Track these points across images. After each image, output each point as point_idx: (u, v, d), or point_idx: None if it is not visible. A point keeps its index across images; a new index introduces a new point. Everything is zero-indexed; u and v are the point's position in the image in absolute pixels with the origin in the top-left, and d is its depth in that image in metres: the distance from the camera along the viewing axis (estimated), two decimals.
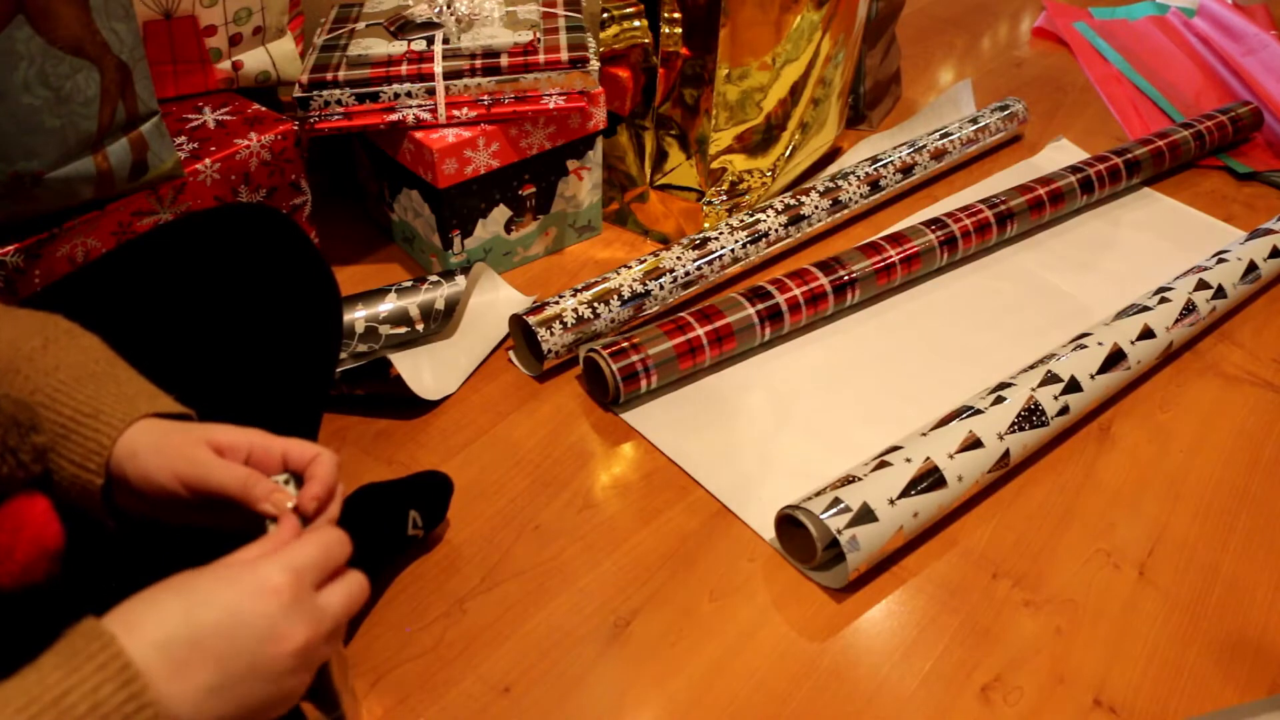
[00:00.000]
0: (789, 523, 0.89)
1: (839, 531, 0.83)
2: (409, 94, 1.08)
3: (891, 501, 0.85)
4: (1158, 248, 1.34)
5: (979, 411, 0.95)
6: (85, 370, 0.52)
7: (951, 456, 0.90)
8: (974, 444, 0.91)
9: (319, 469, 0.51)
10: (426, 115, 1.08)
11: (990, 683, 0.81)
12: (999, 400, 0.96)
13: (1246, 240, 1.25)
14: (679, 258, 1.15)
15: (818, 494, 0.87)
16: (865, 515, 0.84)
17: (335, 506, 0.51)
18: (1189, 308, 1.12)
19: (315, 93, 1.07)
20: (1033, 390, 0.97)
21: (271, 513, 0.49)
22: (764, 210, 1.23)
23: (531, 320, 1.04)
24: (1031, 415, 0.96)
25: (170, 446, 0.49)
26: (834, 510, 0.84)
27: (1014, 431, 0.94)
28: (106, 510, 0.51)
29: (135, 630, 0.39)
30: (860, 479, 0.87)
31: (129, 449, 0.49)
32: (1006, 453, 0.94)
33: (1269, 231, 1.26)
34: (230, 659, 0.40)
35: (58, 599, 0.47)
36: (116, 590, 0.42)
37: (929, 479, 0.88)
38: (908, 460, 0.89)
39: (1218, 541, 0.94)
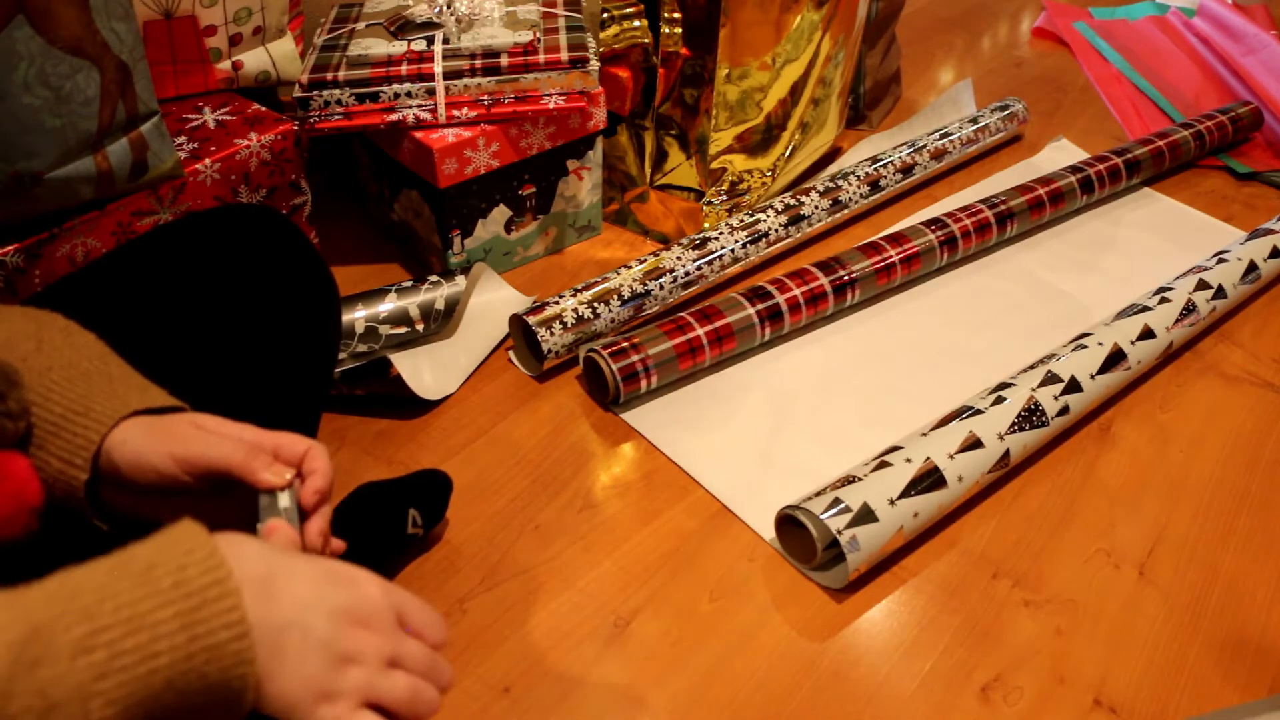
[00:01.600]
0: (789, 523, 0.89)
1: (839, 532, 0.83)
2: (409, 94, 1.08)
3: (892, 502, 0.85)
4: (1158, 248, 1.34)
5: (979, 412, 0.95)
6: (78, 369, 0.52)
7: (952, 457, 0.90)
8: (974, 444, 0.91)
9: (318, 462, 0.51)
10: (426, 115, 1.08)
11: (990, 683, 0.81)
12: (999, 400, 0.96)
13: (1246, 240, 1.25)
14: (679, 258, 1.15)
15: (818, 494, 0.87)
16: (865, 515, 0.84)
17: (326, 506, 0.51)
18: (1189, 308, 1.12)
19: (315, 93, 1.07)
20: (1033, 390, 0.97)
21: (273, 483, 0.49)
22: (764, 210, 1.23)
23: (531, 320, 1.04)
24: (1032, 415, 0.96)
25: (164, 429, 0.50)
26: (834, 510, 0.84)
27: (1014, 432, 0.94)
28: (92, 510, 0.51)
29: (238, 545, 0.41)
30: (860, 479, 0.87)
31: (119, 438, 0.50)
32: (1006, 453, 0.94)
33: (1269, 231, 1.26)
34: (312, 610, 0.41)
35: (38, 555, 0.48)
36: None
37: (929, 479, 0.88)
38: (908, 460, 0.89)
39: (1218, 541, 0.94)
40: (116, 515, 0.52)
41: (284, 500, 0.50)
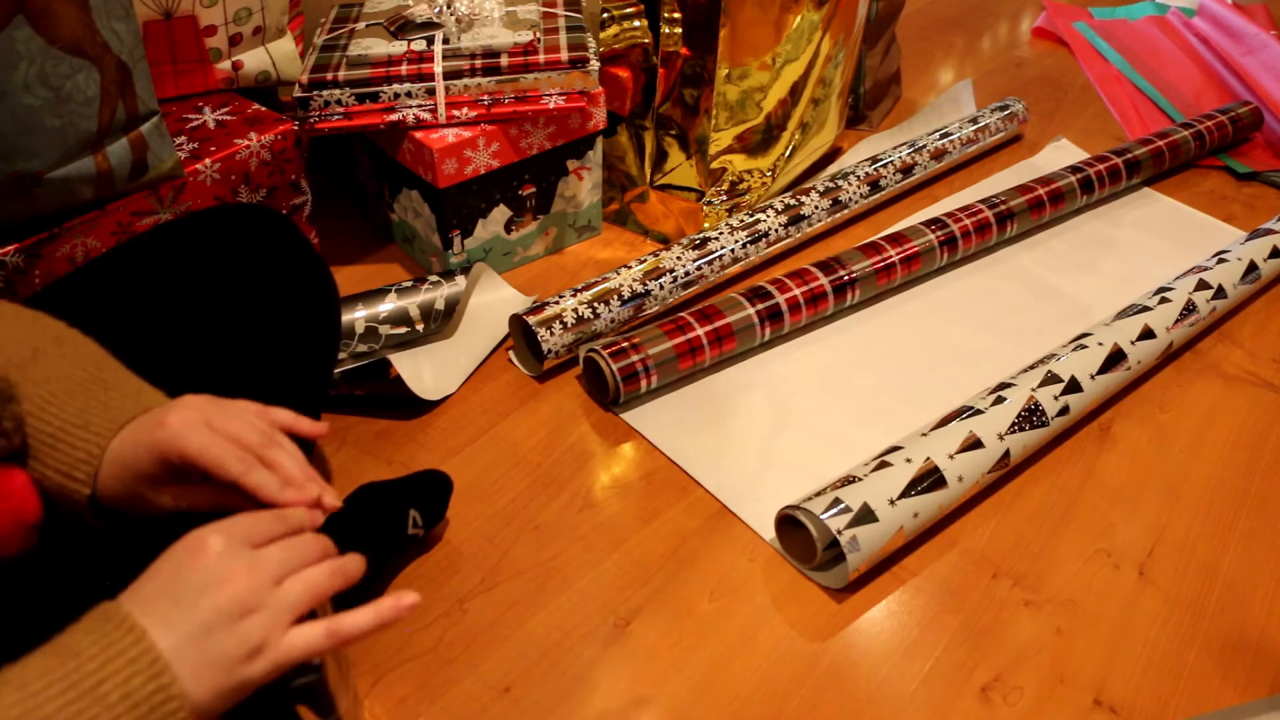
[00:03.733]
0: (789, 523, 0.89)
1: (839, 532, 0.83)
2: (409, 94, 1.08)
3: (892, 502, 0.85)
4: (1158, 248, 1.34)
5: (979, 412, 0.95)
6: (74, 380, 0.52)
7: (952, 457, 0.90)
8: (974, 444, 0.91)
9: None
10: (426, 115, 1.08)
11: (990, 683, 0.81)
12: (999, 400, 0.96)
13: (1247, 240, 1.25)
14: (679, 258, 1.15)
15: (818, 494, 0.87)
16: (865, 515, 0.84)
17: (330, 497, 0.51)
18: (1189, 308, 1.12)
19: (315, 93, 1.07)
20: (1033, 390, 0.97)
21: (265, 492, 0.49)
22: (764, 210, 1.23)
23: (531, 320, 1.04)
24: (1032, 415, 0.96)
25: (143, 427, 0.50)
26: (834, 510, 0.84)
27: (1014, 432, 0.94)
28: (93, 515, 0.51)
29: (150, 615, 0.42)
30: (860, 479, 0.87)
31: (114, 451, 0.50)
32: (1006, 453, 0.94)
33: (1269, 232, 1.26)
34: (179, 617, 0.42)
35: (36, 571, 0.48)
36: (100, 570, 0.43)
37: (929, 479, 0.88)
38: (908, 460, 0.89)
39: (1217, 541, 0.94)
40: (113, 513, 0.52)
41: None
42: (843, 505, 0.84)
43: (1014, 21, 2.05)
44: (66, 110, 0.81)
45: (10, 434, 0.47)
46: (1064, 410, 0.98)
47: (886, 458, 0.90)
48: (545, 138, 1.15)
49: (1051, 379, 0.99)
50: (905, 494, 0.86)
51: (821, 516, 0.84)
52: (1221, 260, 1.20)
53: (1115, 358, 1.04)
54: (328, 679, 0.46)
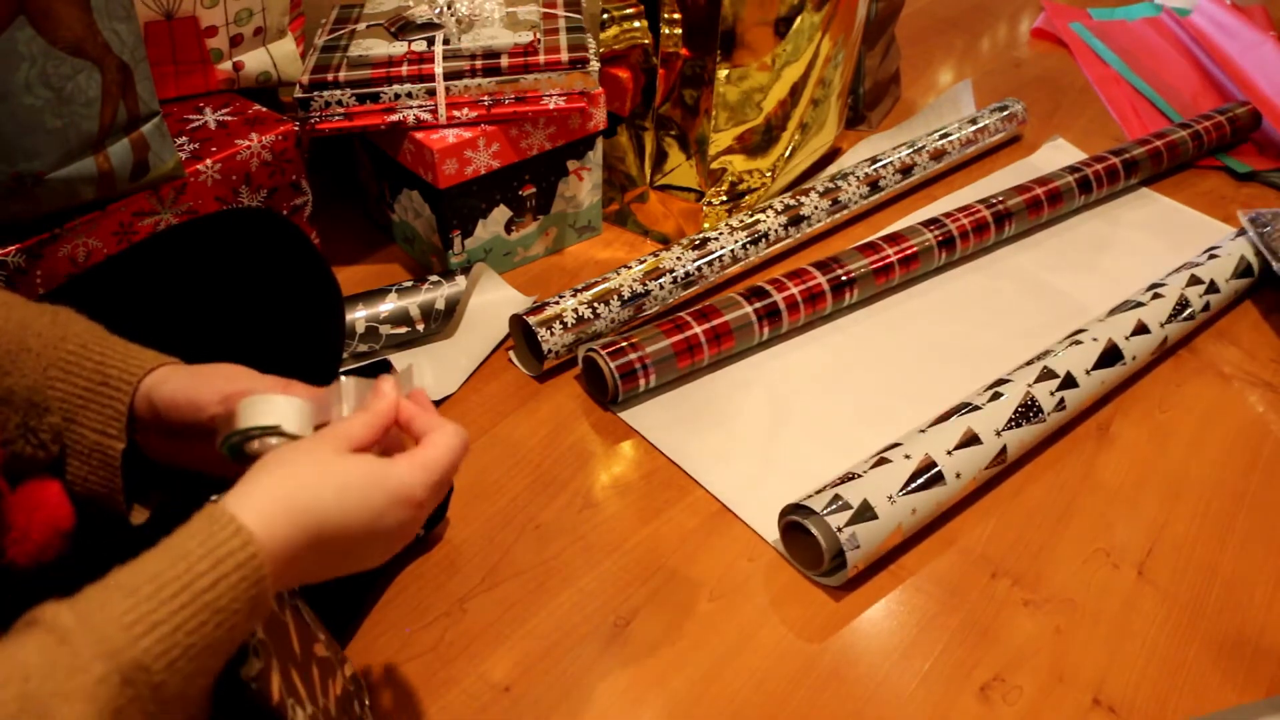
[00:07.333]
0: (794, 527, 0.89)
1: (839, 529, 0.83)
2: (409, 94, 1.08)
3: (891, 499, 0.86)
4: (1156, 248, 1.35)
5: (976, 408, 0.95)
6: (91, 335, 0.53)
7: (949, 453, 0.90)
8: (971, 440, 0.92)
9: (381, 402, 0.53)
10: (427, 116, 1.09)
11: (989, 682, 0.81)
12: (996, 396, 0.96)
13: (1236, 236, 1.25)
14: (679, 258, 1.15)
15: (818, 492, 0.87)
16: (864, 512, 0.84)
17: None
18: (1182, 303, 1.12)
19: (316, 93, 1.07)
20: (1029, 386, 0.97)
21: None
22: (764, 211, 1.24)
23: (531, 320, 1.04)
24: (1028, 411, 0.96)
25: (209, 371, 0.52)
26: (833, 508, 0.84)
27: (1011, 428, 0.94)
28: (122, 482, 0.52)
29: (271, 526, 0.43)
30: (859, 476, 0.87)
31: (153, 383, 0.52)
32: (1004, 449, 0.94)
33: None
34: (340, 551, 0.46)
35: (68, 576, 0.49)
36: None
37: (927, 475, 0.88)
38: (906, 457, 0.89)
39: (1216, 541, 0.94)
40: (145, 486, 0.53)
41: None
42: (842, 502, 0.84)
43: (1013, 22, 2.06)
44: (68, 111, 0.81)
45: (48, 443, 0.48)
46: (1060, 405, 0.99)
47: (885, 454, 0.90)
48: (545, 138, 1.15)
49: (1047, 374, 0.99)
50: (904, 490, 0.87)
51: (820, 513, 0.84)
52: (1213, 257, 1.20)
53: (1111, 353, 1.04)
54: (271, 691, 0.46)
